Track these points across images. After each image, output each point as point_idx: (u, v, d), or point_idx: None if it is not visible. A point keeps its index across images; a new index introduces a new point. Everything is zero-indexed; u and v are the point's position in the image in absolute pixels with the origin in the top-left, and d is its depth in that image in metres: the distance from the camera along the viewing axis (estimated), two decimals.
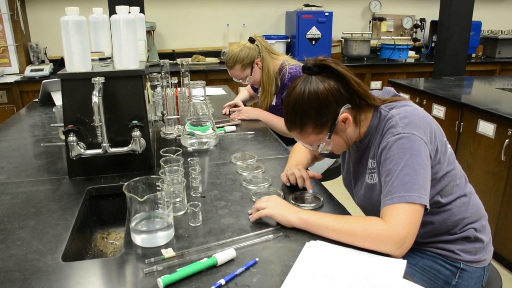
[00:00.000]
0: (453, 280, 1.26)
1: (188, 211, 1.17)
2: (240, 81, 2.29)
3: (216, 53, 4.42)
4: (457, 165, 1.25)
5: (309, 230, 1.10)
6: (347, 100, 1.14)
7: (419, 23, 4.81)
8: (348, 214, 1.22)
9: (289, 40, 4.50)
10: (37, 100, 2.71)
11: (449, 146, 1.23)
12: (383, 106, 1.21)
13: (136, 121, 1.42)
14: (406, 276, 0.96)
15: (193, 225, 1.15)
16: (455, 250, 1.25)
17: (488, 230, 1.31)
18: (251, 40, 2.22)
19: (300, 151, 1.54)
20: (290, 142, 2.30)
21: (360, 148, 1.27)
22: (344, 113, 1.14)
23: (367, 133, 1.23)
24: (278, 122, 2.24)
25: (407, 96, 3.20)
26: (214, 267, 0.96)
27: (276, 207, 1.14)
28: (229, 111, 2.36)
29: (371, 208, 1.26)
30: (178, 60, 4.13)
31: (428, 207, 1.06)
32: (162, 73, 1.98)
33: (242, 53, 2.19)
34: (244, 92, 2.66)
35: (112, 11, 2.33)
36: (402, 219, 1.02)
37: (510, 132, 2.33)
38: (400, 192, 1.04)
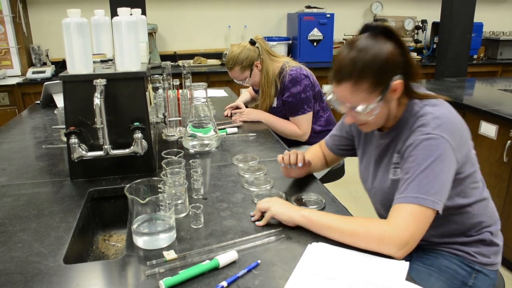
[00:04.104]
0: (469, 281, 1.24)
1: (190, 213, 1.16)
2: (240, 82, 2.29)
3: (217, 55, 4.43)
4: (477, 168, 1.24)
5: (311, 229, 1.10)
6: (402, 71, 1.11)
7: (421, 25, 4.80)
8: (351, 215, 1.21)
9: (290, 41, 4.50)
10: (38, 102, 2.72)
11: (473, 149, 1.21)
12: (418, 101, 1.17)
13: (137, 123, 1.41)
14: (409, 278, 0.95)
15: (195, 227, 1.15)
16: (471, 252, 1.24)
17: (500, 235, 1.31)
18: (252, 42, 2.22)
19: (313, 151, 1.54)
20: (292, 144, 2.30)
21: (384, 142, 1.25)
22: (399, 81, 1.10)
23: (396, 125, 1.20)
24: (279, 123, 2.24)
25: None
26: (216, 269, 0.96)
27: (279, 206, 1.14)
28: (231, 113, 2.36)
29: (390, 204, 1.23)
30: (180, 62, 4.14)
31: (440, 212, 1.04)
32: (164, 75, 1.98)
33: (242, 55, 2.19)
34: (246, 94, 2.66)
35: (113, 13, 2.34)
36: (407, 221, 1.01)
37: None
38: (415, 193, 1.04)
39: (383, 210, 1.28)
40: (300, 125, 2.22)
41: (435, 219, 1.16)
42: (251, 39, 2.24)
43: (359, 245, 1.04)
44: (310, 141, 2.30)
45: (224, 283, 0.90)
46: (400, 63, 1.10)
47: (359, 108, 1.12)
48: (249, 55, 2.19)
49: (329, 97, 1.20)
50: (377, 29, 1.11)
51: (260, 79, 2.25)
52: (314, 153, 1.55)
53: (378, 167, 1.28)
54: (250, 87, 2.64)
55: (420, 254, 1.29)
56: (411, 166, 1.07)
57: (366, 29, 1.13)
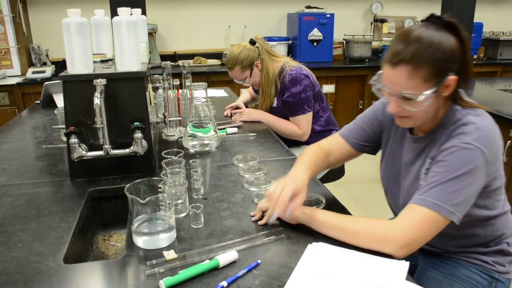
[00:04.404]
0: None
1: (190, 213, 1.16)
2: (240, 82, 2.29)
3: (217, 55, 4.43)
4: (504, 181, 1.21)
5: (313, 226, 1.10)
6: (458, 68, 1.05)
7: None
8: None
9: (290, 42, 4.50)
10: (38, 102, 2.72)
11: (502, 163, 1.19)
12: (459, 108, 1.12)
13: (137, 123, 1.41)
14: (409, 278, 0.95)
15: (195, 227, 1.15)
16: (489, 261, 1.23)
17: None
18: (252, 42, 2.22)
19: (311, 155, 1.31)
20: (292, 143, 2.30)
21: (417, 147, 1.20)
22: (454, 77, 1.04)
23: (433, 130, 1.15)
24: (279, 123, 2.24)
25: None
26: (216, 269, 0.96)
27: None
28: (231, 113, 2.36)
29: None
30: (180, 62, 4.14)
31: (457, 223, 1.02)
32: (164, 75, 1.98)
33: (242, 55, 2.19)
34: (246, 94, 2.66)
35: (113, 13, 2.34)
36: (417, 224, 1.00)
37: None
38: (435, 199, 1.01)
39: None
40: (300, 125, 2.22)
41: (458, 231, 1.13)
42: (251, 39, 2.24)
43: (360, 244, 1.03)
44: (310, 141, 2.30)
45: (224, 283, 0.90)
46: (459, 59, 1.05)
47: (412, 94, 1.04)
48: (249, 55, 2.19)
49: (372, 81, 1.13)
50: (441, 21, 1.06)
51: (260, 79, 2.25)
52: (314, 156, 1.32)
53: (408, 171, 1.23)
54: (250, 87, 2.64)
55: (435, 261, 1.28)
56: (440, 172, 1.04)
57: (430, 18, 1.09)
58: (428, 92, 1.04)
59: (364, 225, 1.04)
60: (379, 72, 1.12)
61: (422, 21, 1.10)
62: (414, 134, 1.23)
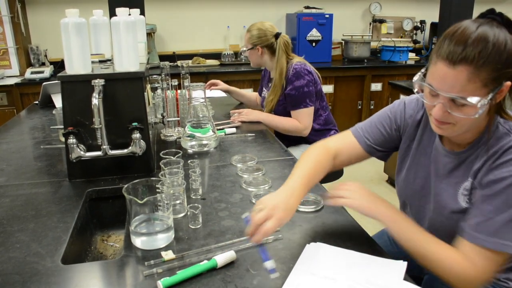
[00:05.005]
0: None
1: (188, 213, 1.16)
2: (244, 48, 2.40)
3: (216, 55, 4.42)
4: None
5: (389, 230, 1.07)
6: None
7: (419, 25, 4.81)
8: (350, 216, 1.21)
9: None
10: (37, 102, 2.71)
11: None
12: (501, 120, 1.02)
13: (136, 123, 1.41)
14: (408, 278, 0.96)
15: (193, 227, 1.15)
16: (501, 278, 1.19)
17: None
18: (276, 35, 2.29)
19: (313, 161, 1.18)
20: (291, 143, 2.31)
21: (452, 161, 1.09)
22: (509, 83, 0.93)
23: (472, 145, 1.05)
24: (280, 121, 2.25)
25: None
26: (214, 269, 0.96)
27: (360, 199, 1.09)
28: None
29: (445, 233, 1.09)
30: (179, 62, 4.14)
31: None
32: (163, 75, 1.98)
33: (257, 32, 2.30)
34: (253, 94, 2.71)
35: (112, 13, 2.34)
36: (490, 267, 0.98)
37: None
38: (498, 237, 0.96)
39: (432, 229, 1.13)
40: (301, 119, 2.23)
41: None
42: (277, 32, 2.30)
43: (431, 268, 1.01)
44: (309, 139, 2.31)
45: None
46: None
47: (474, 99, 0.91)
48: (260, 37, 2.29)
49: (416, 80, 1.03)
50: (502, 18, 0.95)
51: (257, 64, 2.37)
52: (316, 163, 1.18)
53: (439, 187, 1.13)
54: (257, 93, 2.68)
55: None
56: (498, 206, 0.96)
57: (488, 14, 0.97)
58: (486, 98, 0.92)
59: (442, 255, 1.00)
60: (422, 70, 1.03)
61: (480, 16, 0.98)
62: (445, 145, 1.12)
